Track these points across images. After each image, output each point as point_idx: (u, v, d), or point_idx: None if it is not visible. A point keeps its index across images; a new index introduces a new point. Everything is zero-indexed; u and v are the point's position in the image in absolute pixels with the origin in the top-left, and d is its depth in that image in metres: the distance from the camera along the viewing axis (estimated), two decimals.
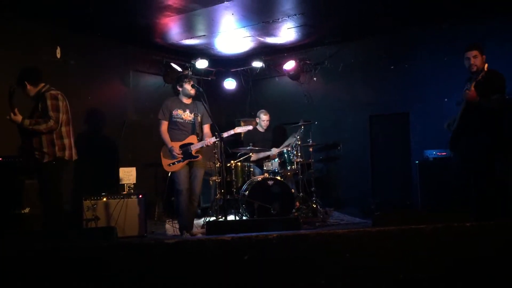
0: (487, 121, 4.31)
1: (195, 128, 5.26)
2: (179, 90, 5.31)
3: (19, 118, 4.21)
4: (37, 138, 4.29)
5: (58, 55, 6.04)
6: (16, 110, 4.18)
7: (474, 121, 4.35)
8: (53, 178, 4.34)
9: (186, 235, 5.22)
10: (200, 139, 5.28)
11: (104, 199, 5.38)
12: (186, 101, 5.30)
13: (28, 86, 4.34)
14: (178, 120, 5.22)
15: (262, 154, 6.78)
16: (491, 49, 5.79)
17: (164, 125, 5.24)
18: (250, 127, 5.42)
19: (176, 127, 5.23)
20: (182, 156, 5.14)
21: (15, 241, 2.81)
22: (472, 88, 4.23)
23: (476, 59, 4.39)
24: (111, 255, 1.89)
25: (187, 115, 5.26)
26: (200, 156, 5.22)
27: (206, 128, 5.37)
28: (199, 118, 5.29)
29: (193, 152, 5.16)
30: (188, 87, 5.19)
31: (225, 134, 5.02)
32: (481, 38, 5.89)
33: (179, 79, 5.35)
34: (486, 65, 4.29)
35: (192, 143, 5.18)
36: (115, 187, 6.04)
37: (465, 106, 4.37)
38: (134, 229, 5.42)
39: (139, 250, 1.91)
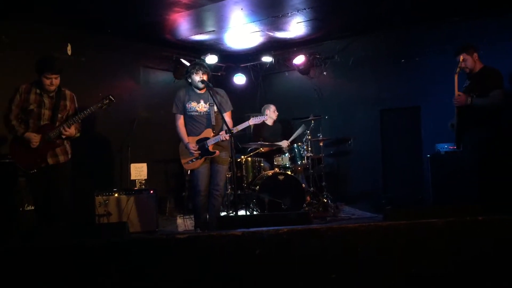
0: (483, 116, 4.47)
1: (210, 120, 4.76)
2: (190, 83, 4.89)
3: (73, 131, 4.17)
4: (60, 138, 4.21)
5: (69, 52, 6.08)
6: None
7: (470, 117, 4.52)
8: (69, 176, 4.32)
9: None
10: (219, 130, 4.80)
11: (116, 195, 5.42)
12: (200, 91, 4.83)
13: (55, 77, 4.08)
14: (192, 113, 4.79)
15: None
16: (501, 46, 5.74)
17: (180, 119, 4.84)
18: (265, 118, 5.09)
19: (192, 121, 4.82)
20: (199, 152, 4.71)
21: (30, 237, 2.84)
22: (457, 93, 4.49)
23: (466, 62, 4.59)
24: (123, 251, 1.90)
25: (202, 107, 4.79)
26: (217, 152, 4.73)
27: (227, 116, 4.77)
28: (215, 108, 4.73)
29: (210, 148, 4.71)
30: (196, 78, 4.73)
31: (239, 127, 4.75)
32: (492, 33, 5.84)
33: (187, 70, 4.91)
34: (478, 63, 4.51)
35: (208, 138, 4.72)
36: (126, 183, 6.08)
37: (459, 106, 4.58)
38: (145, 224, 5.46)
39: (151, 245, 1.93)
